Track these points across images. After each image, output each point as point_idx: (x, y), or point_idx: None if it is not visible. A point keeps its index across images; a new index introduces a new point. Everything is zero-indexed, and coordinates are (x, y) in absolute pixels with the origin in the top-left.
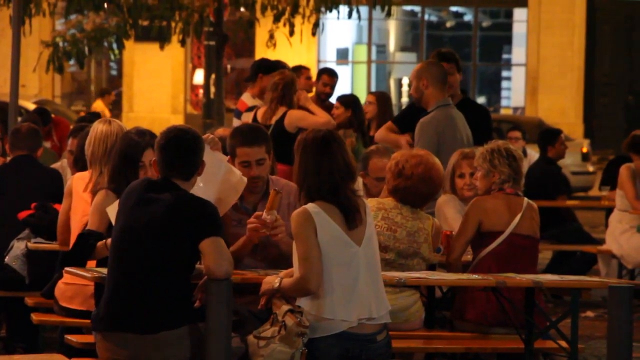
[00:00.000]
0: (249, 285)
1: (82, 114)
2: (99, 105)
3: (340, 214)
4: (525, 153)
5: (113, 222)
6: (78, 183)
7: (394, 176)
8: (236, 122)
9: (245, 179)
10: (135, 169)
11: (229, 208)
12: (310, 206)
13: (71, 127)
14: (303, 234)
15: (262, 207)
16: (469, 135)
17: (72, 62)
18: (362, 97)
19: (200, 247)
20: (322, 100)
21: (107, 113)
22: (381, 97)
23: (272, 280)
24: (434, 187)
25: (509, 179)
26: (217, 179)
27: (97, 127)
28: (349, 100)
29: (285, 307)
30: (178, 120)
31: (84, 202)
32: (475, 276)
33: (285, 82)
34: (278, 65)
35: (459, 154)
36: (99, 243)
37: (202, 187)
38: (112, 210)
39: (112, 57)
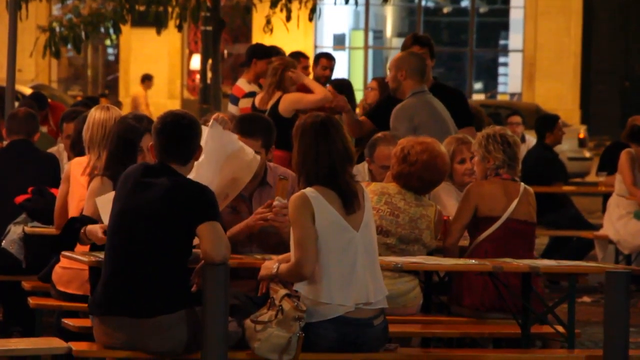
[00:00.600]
0: (247, 270)
1: (79, 98)
2: (139, 92)
3: (339, 199)
4: (523, 139)
5: (101, 213)
6: (76, 168)
7: (398, 161)
8: (231, 108)
9: (259, 157)
10: (132, 155)
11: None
12: (308, 191)
13: None
14: (299, 218)
15: (258, 196)
16: (451, 120)
17: (68, 47)
18: (359, 83)
19: (197, 232)
20: (323, 84)
21: (142, 101)
22: (383, 83)
23: (271, 265)
24: (437, 174)
25: (503, 165)
26: (227, 158)
27: (95, 113)
28: (340, 85)
29: (283, 292)
30: (175, 106)
31: (81, 187)
32: (472, 261)
33: (284, 67)
34: (273, 51)
35: (456, 141)
36: (82, 230)
37: (212, 167)
38: (101, 202)
39: (109, 42)
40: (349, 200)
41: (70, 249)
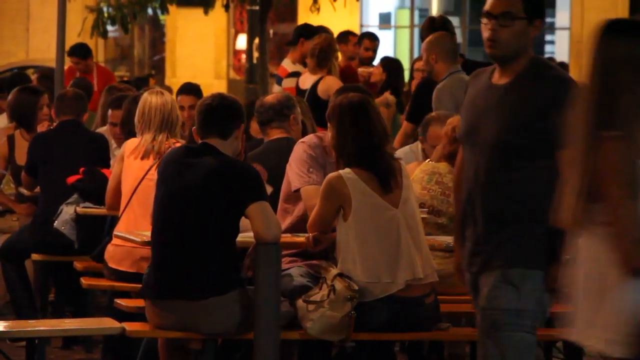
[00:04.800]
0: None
1: (126, 79)
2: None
3: (376, 179)
4: None
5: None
6: (131, 148)
7: (450, 141)
8: (276, 88)
9: None
10: None
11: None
12: (345, 172)
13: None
14: (325, 201)
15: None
16: None
17: (114, 27)
18: (405, 62)
19: (247, 212)
20: (367, 64)
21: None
22: None
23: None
24: None
25: None
26: None
27: (151, 98)
28: (388, 64)
29: (334, 271)
30: (221, 86)
31: (136, 168)
32: None
33: (322, 45)
34: (321, 31)
35: None
36: None
37: None
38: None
39: (156, 21)
40: (387, 180)
41: None
